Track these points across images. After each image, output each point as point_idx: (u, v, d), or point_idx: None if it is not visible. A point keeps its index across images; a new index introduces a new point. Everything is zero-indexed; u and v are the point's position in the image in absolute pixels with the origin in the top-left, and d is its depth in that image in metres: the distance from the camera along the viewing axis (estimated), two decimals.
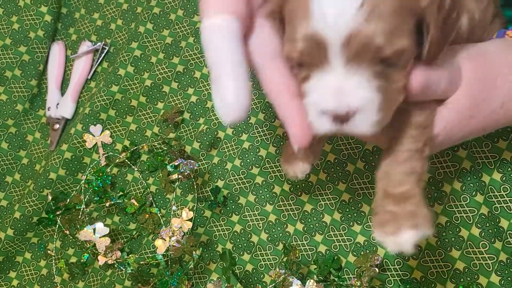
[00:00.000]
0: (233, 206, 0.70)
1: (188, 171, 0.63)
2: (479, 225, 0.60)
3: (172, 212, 0.71)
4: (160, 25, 0.80)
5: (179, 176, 0.65)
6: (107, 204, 0.74)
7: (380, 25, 0.35)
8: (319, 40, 0.36)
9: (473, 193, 0.61)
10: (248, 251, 0.68)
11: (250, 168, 0.71)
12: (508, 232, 0.59)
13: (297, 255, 0.63)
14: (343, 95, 0.36)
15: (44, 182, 0.77)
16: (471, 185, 0.61)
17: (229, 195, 0.71)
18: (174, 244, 0.65)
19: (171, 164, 0.68)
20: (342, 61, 0.36)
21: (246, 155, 0.71)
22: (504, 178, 0.61)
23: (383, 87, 0.37)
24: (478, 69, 0.46)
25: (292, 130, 0.41)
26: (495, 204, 0.60)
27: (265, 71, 0.42)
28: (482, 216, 0.60)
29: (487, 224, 0.60)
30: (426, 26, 0.38)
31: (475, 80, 0.45)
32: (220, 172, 0.72)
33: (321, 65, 0.37)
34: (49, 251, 0.77)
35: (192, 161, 0.64)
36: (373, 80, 0.37)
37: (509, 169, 0.61)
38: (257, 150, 0.70)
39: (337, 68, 0.36)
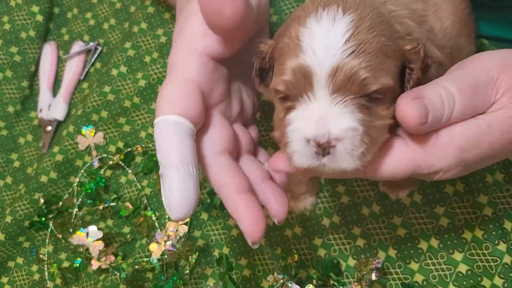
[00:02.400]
0: None
1: None
2: (482, 227, 0.59)
3: (167, 215, 0.69)
4: (155, 24, 0.79)
5: None
6: (101, 207, 0.73)
7: (365, 60, 0.36)
8: (306, 72, 0.37)
9: (476, 194, 0.60)
10: (246, 256, 0.67)
11: None
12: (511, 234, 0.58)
13: (295, 259, 0.62)
14: (325, 124, 0.37)
15: (35, 186, 0.75)
16: (474, 186, 0.60)
17: None
18: (169, 249, 0.63)
19: None
20: (327, 92, 0.37)
21: None
22: (506, 179, 0.60)
23: (367, 121, 0.38)
24: None
25: (243, 226, 0.41)
26: (499, 205, 0.59)
27: (211, 168, 0.43)
28: (485, 217, 0.59)
29: (490, 226, 0.58)
30: (410, 70, 0.40)
31: None
32: None
33: (306, 96, 0.38)
34: (41, 256, 0.75)
35: None
36: (357, 113, 0.37)
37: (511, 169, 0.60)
38: None
39: (322, 99, 0.37)
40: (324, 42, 0.36)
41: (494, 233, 0.58)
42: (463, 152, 0.39)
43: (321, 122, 0.37)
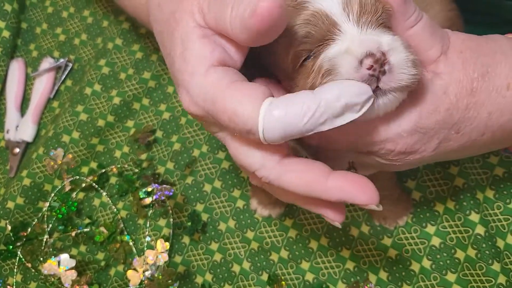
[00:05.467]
0: (213, 233, 0.65)
1: (163, 197, 0.58)
2: (475, 246, 0.57)
3: (146, 243, 0.65)
4: (130, 40, 0.75)
5: (153, 203, 0.60)
6: (73, 234, 0.68)
7: None
8: (323, 13, 0.35)
9: (467, 212, 0.58)
10: (230, 282, 0.63)
11: (231, 190, 0.66)
12: (504, 253, 0.56)
13: (283, 285, 0.58)
14: (372, 39, 0.34)
15: (1, 212, 0.70)
16: (465, 203, 0.58)
17: (209, 219, 0.66)
18: (148, 278, 0.59)
19: (144, 190, 0.62)
20: (352, 21, 0.35)
21: (227, 176, 0.66)
22: (497, 196, 0.58)
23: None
24: (471, 40, 0.41)
25: (358, 200, 0.36)
26: (491, 223, 0.57)
27: (289, 173, 0.37)
28: (478, 236, 0.57)
29: (484, 245, 0.57)
30: None
31: (468, 50, 0.40)
32: (198, 195, 0.67)
33: (334, 33, 0.35)
34: (9, 287, 0.70)
35: (167, 186, 0.58)
36: (386, 32, 0.36)
37: (502, 185, 0.58)
38: (239, 171, 0.66)
39: (351, 28, 0.35)
40: None
41: (487, 252, 0.56)
42: (422, 119, 0.39)
43: (366, 40, 0.34)
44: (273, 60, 0.40)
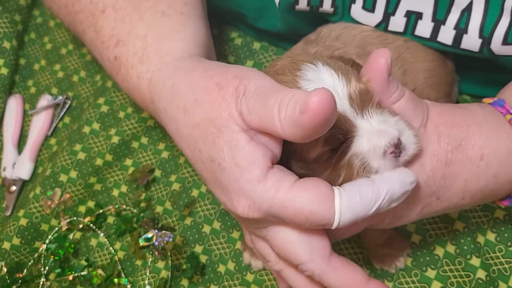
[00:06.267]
0: (212, 275, 0.64)
1: (163, 244, 0.57)
2: None
3: (143, 284, 0.64)
4: None
5: (153, 250, 0.59)
6: (70, 278, 0.67)
7: (356, 76, 0.41)
8: (341, 115, 0.39)
9: (468, 256, 0.58)
10: None
11: (231, 231, 0.66)
12: None
13: None
14: (386, 131, 0.39)
15: None
16: (465, 247, 0.58)
17: (208, 261, 0.65)
18: None
19: (143, 237, 0.61)
20: (360, 115, 0.40)
21: (226, 217, 0.66)
22: (498, 238, 0.58)
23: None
24: (446, 112, 0.44)
25: None
26: (492, 266, 0.57)
27: (330, 274, 0.40)
28: (479, 280, 0.57)
29: None
30: None
31: (443, 125, 0.44)
32: (197, 236, 0.66)
33: (350, 132, 0.40)
34: None
35: (166, 232, 0.58)
36: (385, 111, 0.41)
37: (503, 228, 0.58)
38: None
39: (362, 123, 0.40)
40: (328, 81, 0.40)
41: None
42: None
43: (381, 133, 0.39)
44: (290, 151, 0.41)
